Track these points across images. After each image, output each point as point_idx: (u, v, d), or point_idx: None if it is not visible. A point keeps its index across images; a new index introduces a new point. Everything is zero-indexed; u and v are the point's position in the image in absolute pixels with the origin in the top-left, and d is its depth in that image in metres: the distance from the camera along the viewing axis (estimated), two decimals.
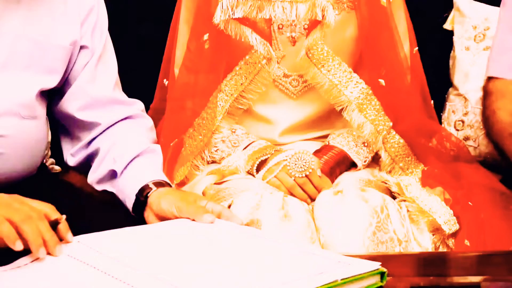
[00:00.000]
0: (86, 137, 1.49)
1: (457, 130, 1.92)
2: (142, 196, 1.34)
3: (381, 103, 1.62)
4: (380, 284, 1.00)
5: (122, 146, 1.45)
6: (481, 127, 1.89)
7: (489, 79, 1.51)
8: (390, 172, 1.66)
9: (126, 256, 1.07)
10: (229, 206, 1.47)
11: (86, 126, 1.48)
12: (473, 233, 1.44)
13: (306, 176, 1.53)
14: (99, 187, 1.47)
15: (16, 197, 1.14)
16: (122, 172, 1.41)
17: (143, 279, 0.99)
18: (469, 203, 1.53)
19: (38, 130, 1.43)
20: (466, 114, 1.92)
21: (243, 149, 1.63)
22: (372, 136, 1.62)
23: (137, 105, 1.55)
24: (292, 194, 1.53)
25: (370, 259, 1.05)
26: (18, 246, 1.06)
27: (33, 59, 1.38)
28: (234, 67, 1.63)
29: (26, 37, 1.36)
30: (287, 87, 1.67)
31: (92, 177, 1.47)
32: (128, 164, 1.41)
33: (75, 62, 1.46)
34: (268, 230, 1.40)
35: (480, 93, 1.89)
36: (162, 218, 1.29)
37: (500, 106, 1.37)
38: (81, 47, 1.46)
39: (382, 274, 1.01)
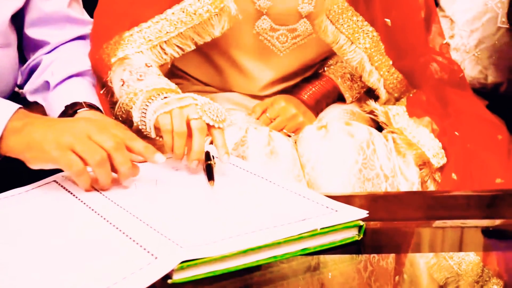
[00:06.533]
0: (34, 56, 1.43)
1: None
2: (71, 110, 1.27)
3: (385, 43, 1.50)
4: (356, 238, 0.99)
5: (64, 61, 1.39)
6: (467, 50, 1.84)
7: None
8: None
9: (117, 193, 1.08)
10: (211, 142, 1.44)
11: (35, 45, 1.43)
12: (460, 166, 1.43)
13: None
14: (31, 98, 1.42)
15: (116, 123, 1.14)
16: (56, 85, 1.36)
17: (124, 218, 0.99)
18: (456, 133, 1.50)
19: (12, 58, 1.39)
20: (452, 36, 1.86)
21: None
22: (376, 81, 1.52)
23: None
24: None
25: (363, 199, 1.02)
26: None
27: None
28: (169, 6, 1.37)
29: None
30: (273, 42, 1.48)
31: (28, 87, 1.43)
32: (64, 79, 1.36)
33: None
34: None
35: (468, 14, 1.84)
36: None
37: None
38: None
39: (360, 228, 0.99)
